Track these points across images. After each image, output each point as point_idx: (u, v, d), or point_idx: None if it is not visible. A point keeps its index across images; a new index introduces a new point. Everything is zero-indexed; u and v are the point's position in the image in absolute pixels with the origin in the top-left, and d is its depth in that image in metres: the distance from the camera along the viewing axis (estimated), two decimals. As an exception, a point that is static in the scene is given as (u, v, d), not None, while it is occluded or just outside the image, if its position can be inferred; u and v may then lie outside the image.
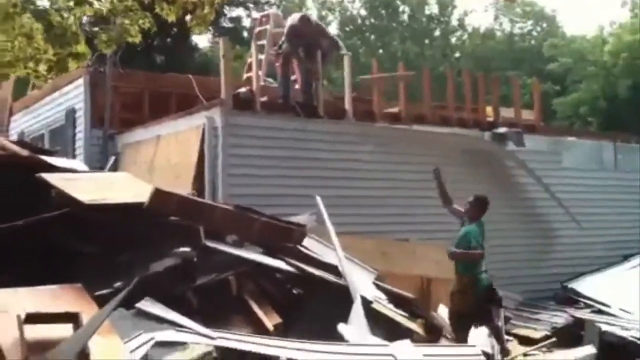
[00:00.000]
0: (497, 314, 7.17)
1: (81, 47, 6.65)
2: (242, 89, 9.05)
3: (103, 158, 10.40)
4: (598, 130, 22.43)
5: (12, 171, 6.45)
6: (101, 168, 9.81)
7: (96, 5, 6.54)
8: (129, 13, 6.74)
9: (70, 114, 10.99)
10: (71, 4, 6.55)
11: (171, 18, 7.25)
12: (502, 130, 10.81)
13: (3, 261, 5.38)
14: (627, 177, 12.44)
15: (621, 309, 9.62)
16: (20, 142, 7.98)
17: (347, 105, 9.61)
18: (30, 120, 12.96)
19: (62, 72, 7.01)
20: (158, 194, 5.52)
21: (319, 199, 7.11)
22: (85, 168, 7.77)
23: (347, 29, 35.42)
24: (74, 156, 10.43)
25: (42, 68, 6.23)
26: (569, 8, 58.38)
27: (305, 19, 9.59)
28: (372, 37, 36.80)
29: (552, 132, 12.50)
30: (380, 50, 34.64)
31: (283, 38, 9.39)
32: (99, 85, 10.33)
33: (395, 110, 10.52)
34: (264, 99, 9.01)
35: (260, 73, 9.77)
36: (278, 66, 9.43)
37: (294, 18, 9.69)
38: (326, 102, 9.60)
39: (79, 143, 10.74)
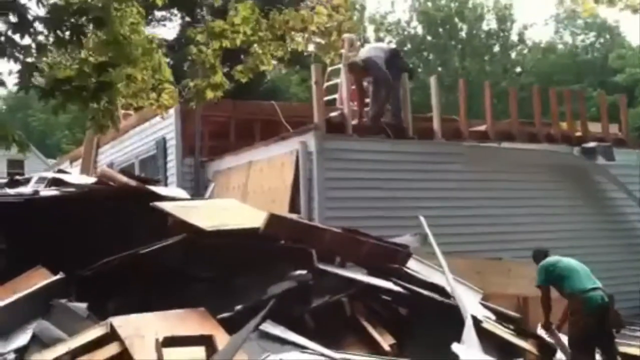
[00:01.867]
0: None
1: (218, 78, 6.94)
2: (333, 113, 9.22)
3: (195, 186, 10.71)
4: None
5: (125, 201, 6.76)
6: (194, 195, 10.09)
7: (231, 37, 6.80)
8: (262, 43, 7.00)
9: (161, 143, 11.35)
10: (204, 38, 6.83)
11: (301, 47, 7.50)
12: (591, 144, 10.66)
13: (129, 287, 5.63)
14: None
15: None
16: (126, 173, 8.30)
17: (436, 125, 9.67)
18: (120, 151, 13.43)
19: (201, 102, 7.31)
20: (273, 218, 5.68)
21: (422, 220, 7.17)
22: (187, 196, 8.01)
23: (406, 48, 35.47)
24: (166, 184, 10.75)
25: (164, 98, 6.53)
26: (631, 18, 57.04)
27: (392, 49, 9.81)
28: (431, 55, 36.75)
29: (640, 145, 12.25)
30: (440, 68, 34.54)
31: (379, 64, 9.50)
32: (188, 115, 10.65)
33: (482, 128, 10.51)
34: (355, 122, 9.14)
35: (344, 96, 9.93)
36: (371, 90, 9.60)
37: (382, 48, 9.95)
38: (415, 122, 9.68)
39: (171, 171, 11.07)
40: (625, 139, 11.65)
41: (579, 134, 11.08)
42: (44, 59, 5.40)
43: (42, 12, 5.27)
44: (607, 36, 37.30)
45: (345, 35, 14.00)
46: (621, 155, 10.96)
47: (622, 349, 8.76)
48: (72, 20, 5.22)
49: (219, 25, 7.07)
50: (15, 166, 29.95)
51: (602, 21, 37.13)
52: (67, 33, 5.23)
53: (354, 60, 9.64)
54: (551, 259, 7.13)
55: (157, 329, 4.71)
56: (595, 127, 11.64)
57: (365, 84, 9.91)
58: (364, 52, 9.86)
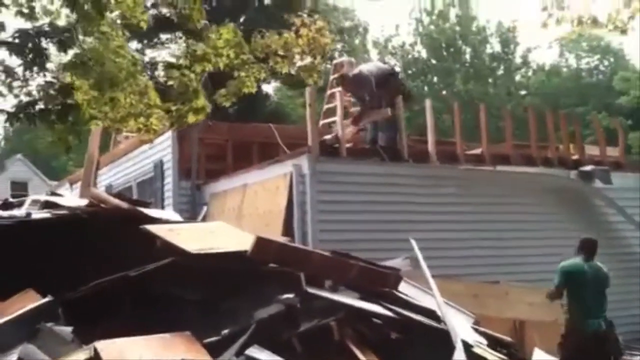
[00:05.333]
0: None
1: (201, 102, 6.95)
2: (328, 136, 9.24)
3: (191, 208, 10.73)
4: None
5: (115, 223, 6.75)
6: (190, 218, 10.09)
7: (214, 61, 6.83)
8: (245, 66, 7.03)
9: (159, 166, 11.39)
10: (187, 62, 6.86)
11: (284, 70, 7.53)
12: (588, 168, 10.65)
13: (115, 311, 5.60)
14: None
15: None
16: (118, 195, 8.31)
17: (431, 148, 9.68)
18: (118, 174, 13.48)
19: (183, 126, 7.33)
20: (260, 241, 5.65)
21: (413, 242, 7.13)
22: (180, 218, 8.00)
23: (410, 71, 35.59)
24: (162, 207, 10.78)
25: (152, 122, 6.53)
26: (635, 41, 57.21)
27: (388, 69, 9.82)
28: (435, 78, 36.85)
29: (639, 169, 12.22)
30: (444, 92, 34.61)
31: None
32: (185, 137, 10.68)
33: (477, 151, 10.51)
34: (349, 144, 9.15)
35: (339, 119, 9.95)
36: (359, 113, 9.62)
37: (376, 65, 9.92)
38: (409, 145, 9.68)
39: (168, 194, 11.11)
40: (622, 162, 11.63)
41: (576, 157, 11.07)
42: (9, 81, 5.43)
43: (4, 35, 5.31)
44: (611, 59, 37.36)
45: (344, 59, 14.13)
46: (619, 179, 10.95)
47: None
48: (36, 43, 5.24)
49: (201, 49, 7.09)
50: (19, 188, 30.05)
51: (606, 44, 37.23)
52: (31, 56, 5.25)
53: (344, 72, 9.69)
54: (575, 263, 7.19)
55: (141, 353, 4.67)
56: (593, 151, 11.65)
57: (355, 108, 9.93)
58: (361, 67, 9.93)
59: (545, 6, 6.88)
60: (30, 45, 4.93)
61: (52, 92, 5.27)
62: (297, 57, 7.22)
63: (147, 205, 8.25)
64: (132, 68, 5.99)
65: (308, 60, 7.30)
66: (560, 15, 6.90)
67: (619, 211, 10.67)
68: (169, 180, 11.16)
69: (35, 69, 5.18)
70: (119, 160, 13.20)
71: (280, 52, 7.12)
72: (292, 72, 7.84)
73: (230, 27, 7.01)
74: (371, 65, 10.17)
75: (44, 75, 5.55)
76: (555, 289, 7.17)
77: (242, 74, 7.03)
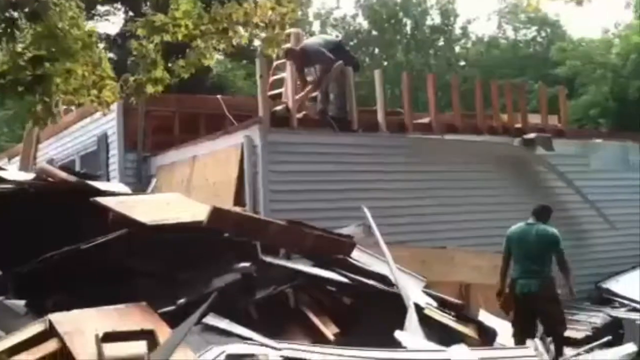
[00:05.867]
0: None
1: (159, 72, 6.83)
2: (278, 107, 9.22)
3: (137, 181, 10.58)
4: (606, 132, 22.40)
5: (64, 197, 6.63)
6: (137, 191, 9.96)
7: (173, 31, 6.70)
8: (204, 37, 6.91)
9: (103, 139, 11.18)
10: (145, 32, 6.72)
11: (244, 41, 7.45)
12: (531, 135, 10.91)
13: (68, 283, 5.53)
14: (653, 177, 12.52)
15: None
16: (66, 169, 8.14)
17: (380, 118, 9.76)
18: (60, 147, 13.17)
19: (142, 97, 7.19)
20: (216, 212, 5.65)
21: (366, 210, 7.24)
22: (129, 191, 7.90)
23: (352, 43, 35.58)
24: (108, 180, 10.60)
25: (105, 95, 6.41)
26: (571, 12, 58.54)
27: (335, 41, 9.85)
28: (377, 50, 36.99)
29: (579, 136, 12.60)
30: (385, 63, 34.77)
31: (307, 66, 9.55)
32: (131, 109, 10.49)
33: (425, 121, 10.65)
34: (300, 115, 9.17)
35: (290, 90, 9.93)
36: (315, 82, 9.62)
37: (324, 38, 9.95)
38: (359, 115, 9.75)
39: (113, 167, 10.92)
40: (564, 130, 11.96)
41: (519, 125, 11.33)
42: None
43: None
44: (548, 30, 38.06)
45: (292, 30, 14.03)
46: (560, 146, 11.26)
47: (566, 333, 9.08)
48: (7, 13, 5.10)
49: (160, 19, 6.97)
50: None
51: (543, 15, 37.85)
52: (1, 26, 5.11)
53: (291, 47, 9.66)
54: (514, 227, 7.52)
55: (97, 325, 4.63)
56: (535, 119, 11.93)
57: (310, 78, 9.93)
58: (306, 41, 9.90)
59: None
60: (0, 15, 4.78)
61: (21, 63, 5.11)
62: (258, 27, 7.13)
63: (95, 178, 8.13)
64: (87, 39, 5.86)
65: (269, 31, 7.22)
66: None
67: (560, 177, 10.99)
68: (114, 152, 10.96)
69: (4, 39, 5.02)
70: (62, 133, 12.88)
71: (241, 22, 7.02)
72: (252, 42, 7.78)
73: None
74: (318, 38, 10.17)
75: (14, 47, 5.38)
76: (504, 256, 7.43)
77: (201, 44, 6.92)
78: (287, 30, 12.74)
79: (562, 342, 7.27)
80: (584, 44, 33.31)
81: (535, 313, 7.17)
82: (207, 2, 7.45)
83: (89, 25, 8.05)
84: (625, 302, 10.25)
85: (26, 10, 5.25)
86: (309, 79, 9.99)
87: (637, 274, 11.16)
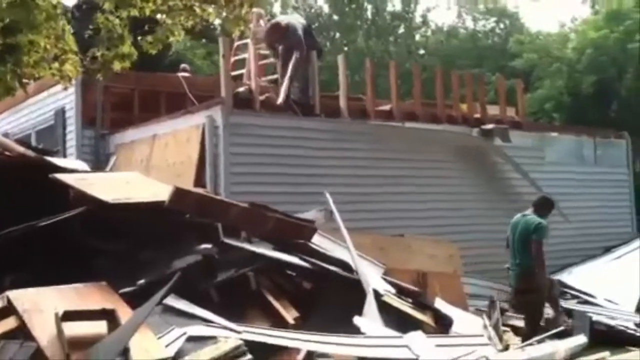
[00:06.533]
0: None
1: (127, 48, 6.69)
2: (241, 89, 9.16)
3: (95, 159, 10.40)
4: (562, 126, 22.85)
5: (22, 172, 6.49)
6: (95, 169, 9.81)
7: (140, 6, 6.56)
8: (172, 13, 6.79)
9: (60, 114, 10.96)
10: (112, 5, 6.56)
11: (211, 18, 7.35)
12: (489, 126, 11.08)
13: (25, 261, 5.44)
14: (606, 172, 12.87)
15: (606, 299, 9.94)
16: (23, 143, 7.96)
17: (342, 103, 9.79)
18: (15, 122, 12.85)
19: (108, 73, 7.03)
20: (178, 192, 5.61)
21: (328, 196, 7.27)
22: (88, 168, 7.78)
23: (313, 26, 35.36)
24: (64, 156, 10.40)
25: (67, 68, 6.26)
26: (530, 4, 59.36)
27: (294, 24, 9.76)
28: (337, 34, 36.91)
29: (535, 128, 12.84)
30: (346, 48, 34.73)
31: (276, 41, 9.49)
32: (89, 85, 10.29)
33: (387, 108, 10.71)
34: (263, 97, 9.13)
35: (252, 71, 9.87)
36: (279, 65, 9.57)
37: (281, 21, 9.88)
38: (322, 100, 9.76)
39: (70, 143, 10.71)
40: (521, 122, 12.17)
41: (478, 116, 11.48)
42: None
43: None
44: (507, 22, 38.49)
45: (254, 10, 13.87)
46: (517, 138, 11.46)
47: (515, 322, 9.31)
48: None
49: None
50: None
51: (502, 7, 38.26)
52: None
53: (277, 20, 9.56)
54: (513, 218, 7.79)
55: (56, 303, 4.58)
56: (493, 110, 12.11)
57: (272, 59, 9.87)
58: (284, 18, 9.83)
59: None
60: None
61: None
62: (226, 6, 7.04)
63: (52, 154, 7.98)
64: (52, 11, 5.70)
65: (236, 9, 7.14)
66: None
67: (516, 168, 11.19)
68: (71, 129, 10.74)
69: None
70: (17, 107, 12.56)
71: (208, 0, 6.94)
72: (219, 20, 7.68)
73: None
74: (294, 18, 10.09)
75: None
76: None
77: (169, 21, 6.81)
78: (254, 10, 12.67)
79: (528, 336, 7.25)
80: (541, 37, 33.86)
81: (518, 309, 7.36)
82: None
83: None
84: (578, 294, 10.51)
85: None
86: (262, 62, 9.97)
87: (589, 266, 11.48)
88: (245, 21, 7.55)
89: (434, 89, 11.40)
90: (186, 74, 11.75)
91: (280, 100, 9.04)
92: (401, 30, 37.49)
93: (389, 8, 37.30)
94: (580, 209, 12.00)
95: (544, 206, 7.72)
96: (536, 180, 11.29)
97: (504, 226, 11.03)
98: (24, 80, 10.94)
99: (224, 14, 7.31)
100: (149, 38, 7.11)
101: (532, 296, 7.37)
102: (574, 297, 10.46)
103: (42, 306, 4.59)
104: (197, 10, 6.98)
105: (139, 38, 7.54)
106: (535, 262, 7.29)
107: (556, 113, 27.68)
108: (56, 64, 6.26)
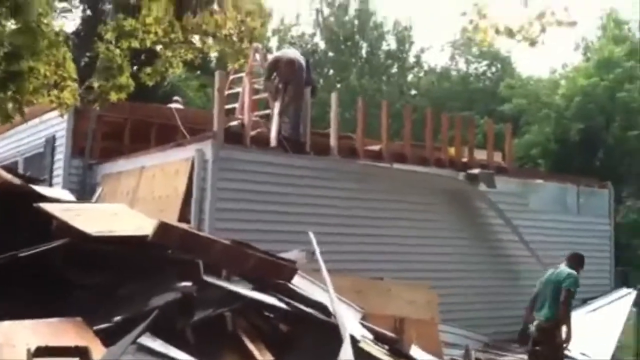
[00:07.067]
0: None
1: (125, 79, 6.72)
2: (233, 123, 9.22)
3: (81, 188, 10.40)
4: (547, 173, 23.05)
5: (6, 200, 6.49)
6: (80, 199, 9.79)
7: (142, 37, 6.60)
8: (172, 45, 6.83)
9: (51, 141, 10.97)
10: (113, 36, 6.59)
11: (213, 52, 7.42)
12: (475, 171, 11.17)
13: (3, 291, 5.41)
14: (588, 222, 12.96)
15: (582, 353, 9.94)
16: (9, 170, 7.96)
17: (333, 141, 9.85)
18: (4, 147, 12.86)
19: (105, 104, 7.05)
20: (162, 227, 5.61)
21: (312, 236, 7.29)
22: (73, 198, 7.78)
23: (310, 62, 35.59)
24: (51, 185, 10.40)
25: (65, 96, 6.28)
26: (522, 49, 60.07)
27: (293, 59, 9.84)
28: (332, 71, 37.18)
29: (520, 175, 12.96)
30: (339, 85, 34.98)
31: (274, 74, 9.59)
32: (82, 113, 10.34)
33: (376, 148, 10.79)
34: (254, 133, 9.19)
35: (245, 106, 9.93)
36: (270, 100, 9.65)
37: (283, 56, 9.95)
38: (312, 137, 9.83)
39: (57, 172, 10.72)
40: (507, 167, 12.28)
41: (465, 159, 11.58)
42: None
43: None
44: (499, 65, 38.92)
45: (255, 45, 13.99)
46: (502, 183, 11.56)
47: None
48: None
49: (131, 24, 6.88)
50: None
51: (495, 51, 38.70)
52: None
53: (295, 56, 9.64)
54: (545, 274, 8.30)
55: (29, 338, 4.56)
56: (481, 154, 12.22)
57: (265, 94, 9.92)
58: (292, 53, 9.92)
59: (465, 12, 7.12)
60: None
61: (-3, 58, 4.98)
62: (226, 40, 7.09)
63: (39, 182, 7.98)
64: (54, 38, 5.75)
65: (236, 44, 7.18)
66: (478, 23, 7.17)
67: (499, 214, 11.27)
68: (60, 157, 10.77)
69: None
70: (7, 132, 12.57)
71: (210, 33, 6.98)
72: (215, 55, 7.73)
73: (163, 3, 6.77)
74: (298, 54, 10.19)
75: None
76: None
77: (169, 53, 6.84)
78: (255, 44, 12.76)
79: None
80: (532, 83, 34.23)
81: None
82: (179, 9, 7.36)
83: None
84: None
85: (8, 4, 5.14)
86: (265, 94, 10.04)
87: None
88: (245, 56, 7.60)
89: (424, 130, 11.50)
90: (178, 106, 11.82)
91: (273, 142, 9.12)
92: (394, 69, 37.86)
93: (384, 47, 37.69)
94: (560, 258, 12.01)
95: (576, 261, 8.15)
96: (519, 227, 11.38)
97: (483, 273, 11.15)
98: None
99: (224, 48, 7.35)
100: (148, 69, 7.14)
101: (547, 346, 7.66)
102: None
103: (14, 341, 4.57)
104: (197, 43, 7.03)
105: (136, 68, 7.60)
106: (562, 308, 7.70)
107: (542, 159, 27.88)
108: (55, 91, 6.28)
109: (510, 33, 7.52)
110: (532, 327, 7.91)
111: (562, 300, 7.72)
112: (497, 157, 12.90)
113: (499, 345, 10.46)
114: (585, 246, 12.53)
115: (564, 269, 8.02)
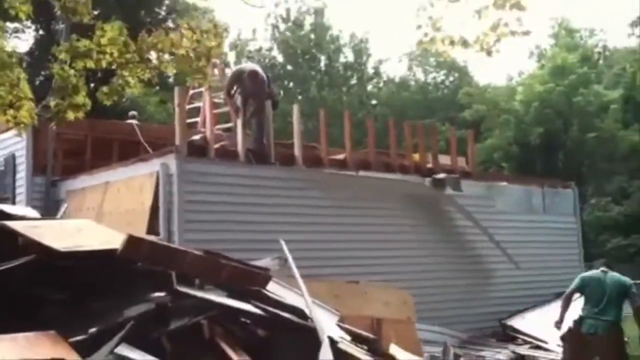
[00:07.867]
0: None
1: (81, 99, 6.63)
2: (196, 137, 9.18)
3: (45, 205, 10.22)
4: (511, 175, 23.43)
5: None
6: (45, 215, 9.62)
7: (97, 58, 6.53)
8: (128, 65, 6.76)
9: (10, 160, 10.78)
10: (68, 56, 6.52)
11: (170, 71, 7.36)
12: (441, 176, 11.27)
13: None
14: (555, 220, 13.18)
15: (558, 345, 10.07)
16: (-30, 190, 7.79)
17: (297, 152, 9.87)
18: (-38, 167, 12.58)
19: (62, 122, 6.94)
20: (131, 240, 5.53)
21: (283, 243, 7.26)
22: (38, 215, 7.63)
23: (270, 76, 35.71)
24: (14, 203, 10.20)
25: (22, 115, 6.18)
26: (479, 59, 61.11)
27: (254, 73, 9.86)
28: (291, 84, 37.35)
29: (485, 178, 13.12)
30: (299, 97, 35.15)
31: (235, 88, 9.59)
32: (41, 131, 10.17)
33: (341, 156, 10.83)
34: (217, 146, 9.15)
35: (207, 119, 9.90)
36: (233, 114, 9.64)
37: (244, 70, 9.96)
38: (276, 148, 9.82)
39: (20, 190, 10.53)
40: (471, 172, 12.42)
41: (430, 165, 11.68)
42: None
43: None
44: (456, 75, 39.54)
45: (214, 61, 13.95)
46: (468, 187, 11.68)
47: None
48: None
49: (85, 45, 6.81)
50: None
51: (452, 60, 39.29)
52: None
53: (256, 69, 9.66)
54: (590, 272, 8.07)
55: (4, 353, 4.46)
56: (444, 160, 12.35)
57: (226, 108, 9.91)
58: (253, 67, 9.96)
59: (420, 25, 7.20)
60: None
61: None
62: (183, 59, 7.05)
63: (2, 200, 7.83)
64: (7, 59, 5.66)
65: (194, 62, 7.15)
66: (433, 35, 7.25)
67: (467, 217, 11.38)
68: (21, 175, 10.58)
69: None
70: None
71: (166, 52, 6.95)
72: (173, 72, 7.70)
73: (117, 25, 6.74)
74: (256, 66, 10.26)
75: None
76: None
77: (126, 73, 6.78)
78: (214, 60, 12.70)
79: None
80: (489, 90, 34.86)
81: (595, 354, 7.46)
82: (134, 29, 7.34)
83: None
84: (529, 339, 10.64)
85: None
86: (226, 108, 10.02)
87: (540, 312, 11.64)
88: (204, 74, 7.58)
89: (387, 139, 11.58)
90: (135, 122, 11.71)
91: (241, 156, 9.11)
92: (353, 80, 38.18)
93: (342, 59, 38.01)
94: (530, 256, 12.26)
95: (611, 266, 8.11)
96: (487, 228, 11.49)
97: (456, 273, 11.24)
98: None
99: (182, 66, 7.32)
100: (105, 89, 7.06)
101: (616, 350, 7.62)
102: (525, 342, 10.59)
103: (-12, 356, 4.45)
104: (154, 62, 6.98)
105: (93, 86, 7.52)
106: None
107: (505, 162, 28.40)
108: (11, 111, 6.17)
109: (465, 44, 7.66)
110: (585, 327, 7.68)
111: (636, 311, 7.65)
112: (461, 162, 13.02)
113: (475, 341, 10.55)
114: (554, 244, 12.83)
115: (617, 275, 7.91)
